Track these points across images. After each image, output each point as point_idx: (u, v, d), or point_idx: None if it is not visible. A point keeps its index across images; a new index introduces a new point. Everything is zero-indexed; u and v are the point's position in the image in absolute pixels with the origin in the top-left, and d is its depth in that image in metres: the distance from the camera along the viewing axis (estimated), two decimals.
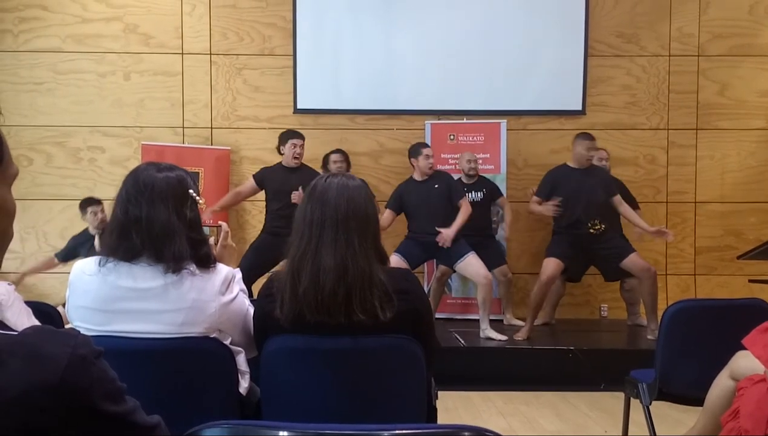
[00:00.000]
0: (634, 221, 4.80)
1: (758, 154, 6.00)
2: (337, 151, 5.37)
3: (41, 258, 5.47)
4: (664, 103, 6.00)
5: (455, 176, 5.10)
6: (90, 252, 4.99)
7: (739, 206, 5.97)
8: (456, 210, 4.65)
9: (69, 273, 1.70)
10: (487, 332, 4.66)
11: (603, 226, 4.64)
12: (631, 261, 4.61)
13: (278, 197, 4.83)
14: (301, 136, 4.98)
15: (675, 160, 6.00)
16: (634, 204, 5.09)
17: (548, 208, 4.68)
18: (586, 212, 4.62)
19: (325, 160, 5.32)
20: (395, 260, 4.56)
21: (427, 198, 4.67)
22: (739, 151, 5.99)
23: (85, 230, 5.13)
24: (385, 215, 4.70)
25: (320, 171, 5.07)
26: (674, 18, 5.99)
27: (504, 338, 4.64)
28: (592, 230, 4.62)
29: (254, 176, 5.02)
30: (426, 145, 4.88)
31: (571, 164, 4.79)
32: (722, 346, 2.18)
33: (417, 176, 4.79)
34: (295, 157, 4.88)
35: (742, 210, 5.97)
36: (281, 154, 4.98)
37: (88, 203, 5.04)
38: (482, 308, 4.66)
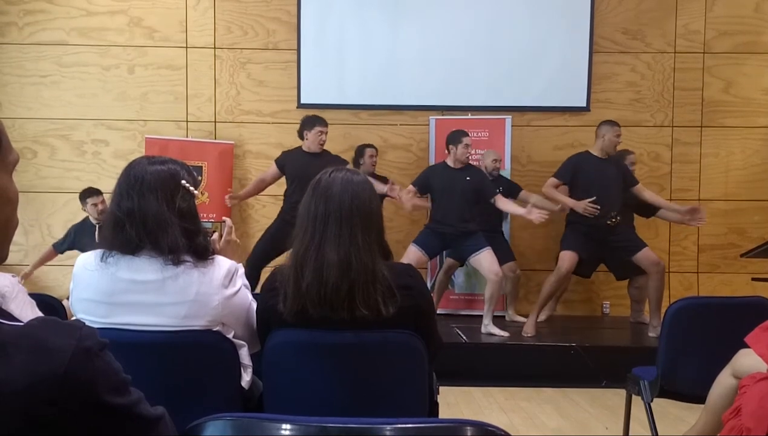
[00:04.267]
0: (663, 205, 4.81)
1: (763, 152, 5.98)
2: (371, 145, 5.33)
3: (43, 252, 5.36)
4: (669, 100, 5.98)
5: None
6: (94, 244, 4.97)
7: (743, 204, 5.96)
8: (484, 206, 4.68)
9: (72, 266, 1.71)
10: (489, 327, 4.67)
11: (618, 218, 4.62)
12: (643, 255, 4.62)
13: (296, 182, 4.70)
14: (326, 123, 4.87)
15: (679, 157, 5.99)
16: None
17: (581, 205, 4.52)
18: (605, 203, 4.58)
19: (360, 152, 5.29)
20: (413, 251, 4.58)
21: (456, 187, 4.62)
22: (743, 149, 5.98)
23: (86, 220, 5.06)
24: (409, 189, 4.75)
25: (350, 163, 5.04)
26: (680, 15, 5.96)
27: (505, 334, 4.65)
28: (609, 222, 4.61)
29: (276, 161, 4.91)
30: (466, 134, 4.78)
31: (593, 152, 4.75)
32: (724, 344, 2.17)
33: (450, 162, 4.74)
34: (321, 144, 4.78)
35: (746, 208, 5.96)
36: (303, 139, 4.83)
37: (87, 195, 4.97)
38: (488, 303, 4.66)
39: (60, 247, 5.14)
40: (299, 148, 4.87)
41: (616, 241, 4.68)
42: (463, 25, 5.89)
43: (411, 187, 4.75)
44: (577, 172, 4.67)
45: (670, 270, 5.89)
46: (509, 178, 5.57)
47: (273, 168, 4.94)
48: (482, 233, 4.70)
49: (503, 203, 4.70)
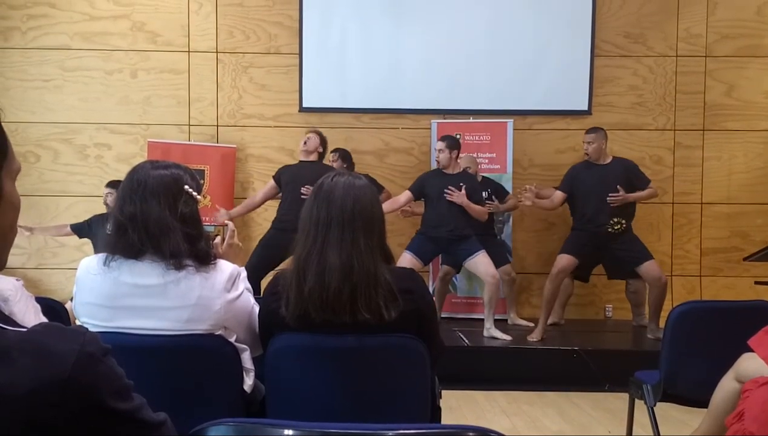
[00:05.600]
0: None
1: (765, 155, 5.97)
2: (334, 150, 5.30)
3: (57, 224, 5.32)
4: (671, 104, 5.98)
5: None
6: (102, 232, 4.89)
7: (746, 208, 5.95)
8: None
9: (76, 269, 1.71)
10: (492, 331, 4.66)
11: (623, 224, 4.60)
12: (647, 268, 4.58)
13: (287, 189, 4.82)
14: (312, 131, 5.08)
15: (681, 161, 5.98)
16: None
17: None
18: (605, 209, 4.57)
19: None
20: (408, 259, 4.57)
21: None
22: (746, 153, 5.97)
23: (108, 212, 5.05)
24: (404, 194, 4.77)
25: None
26: (681, 18, 5.96)
27: (508, 337, 4.64)
28: (611, 230, 4.59)
29: (273, 176, 5.03)
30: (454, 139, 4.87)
31: (591, 159, 4.75)
32: (728, 348, 2.17)
33: (448, 169, 4.75)
34: (303, 150, 4.94)
35: (748, 212, 5.95)
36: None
37: (108, 184, 4.90)
38: (488, 307, 4.65)
39: (74, 227, 5.05)
40: (300, 161, 5.01)
41: (620, 248, 4.65)
42: (464, 29, 5.89)
43: (407, 193, 4.77)
44: (574, 181, 4.72)
45: (673, 274, 5.88)
46: (510, 181, 5.58)
47: (269, 182, 5.05)
48: (475, 236, 4.71)
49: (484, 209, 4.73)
